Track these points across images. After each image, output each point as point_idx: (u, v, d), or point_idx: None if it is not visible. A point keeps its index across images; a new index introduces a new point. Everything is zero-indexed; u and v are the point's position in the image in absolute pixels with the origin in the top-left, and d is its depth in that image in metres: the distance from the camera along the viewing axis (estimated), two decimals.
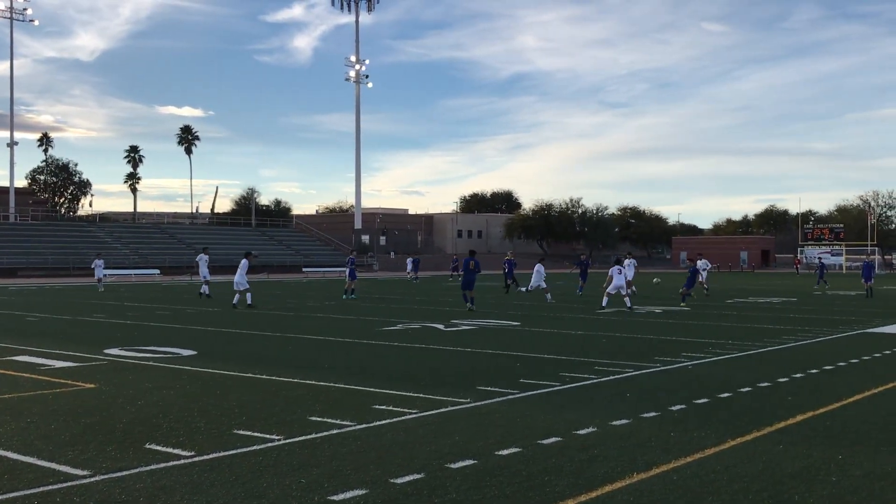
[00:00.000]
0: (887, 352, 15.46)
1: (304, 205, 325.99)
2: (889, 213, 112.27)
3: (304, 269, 71.97)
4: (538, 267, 32.18)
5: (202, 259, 34.81)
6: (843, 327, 20.60)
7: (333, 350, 15.82)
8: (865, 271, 35.90)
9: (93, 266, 44.21)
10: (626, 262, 34.14)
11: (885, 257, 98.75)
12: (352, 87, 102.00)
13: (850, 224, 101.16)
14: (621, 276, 27.05)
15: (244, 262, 27.70)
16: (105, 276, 43.66)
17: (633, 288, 34.14)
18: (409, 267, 57.69)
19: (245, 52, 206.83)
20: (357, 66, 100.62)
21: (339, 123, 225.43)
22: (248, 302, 27.04)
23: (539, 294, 33.08)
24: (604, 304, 26.65)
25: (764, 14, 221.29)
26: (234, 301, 27.10)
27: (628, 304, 26.32)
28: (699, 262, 35.49)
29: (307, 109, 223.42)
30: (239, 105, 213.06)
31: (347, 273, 34.65)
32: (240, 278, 27.19)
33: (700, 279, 34.43)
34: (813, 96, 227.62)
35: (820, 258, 53.06)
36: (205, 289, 33.19)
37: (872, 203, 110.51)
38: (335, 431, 8.44)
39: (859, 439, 8.21)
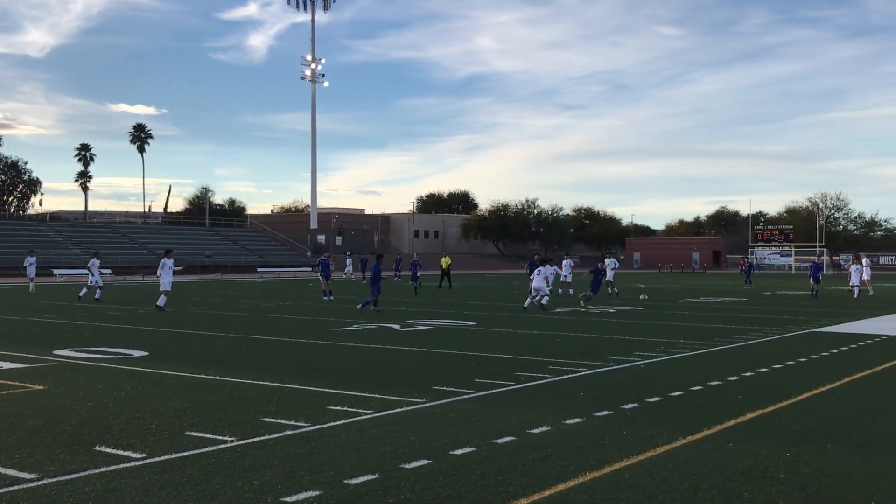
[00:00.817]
0: (834, 351, 15.78)
1: (258, 204, 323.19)
2: (837, 215, 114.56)
3: (258, 270, 71.41)
4: (543, 268, 31.26)
5: (166, 265, 33.53)
6: (792, 327, 20.97)
7: (288, 351, 15.73)
8: (813, 272, 36.53)
9: (25, 264, 41.00)
10: (607, 261, 34.62)
11: (833, 258, 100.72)
12: (308, 86, 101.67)
13: (799, 225, 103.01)
14: (540, 277, 27.09)
15: (166, 261, 26.33)
16: (56, 275, 42.55)
17: (571, 290, 34.46)
18: (349, 268, 56.89)
19: (199, 49, 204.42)
20: (313, 65, 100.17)
21: (295, 122, 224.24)
22: (159, 304, 25.55)
23: (502, 294, 33.17)
24: (525, 304, 26.91)
25: (717, 18, 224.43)
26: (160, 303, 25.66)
27: (542, 303, 26.63)
28: (607, 261, 35.40)
29: (262, 108, 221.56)
30: (193, 103, 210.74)
31: (321, 274, 34.04)
32: (166, 280, 25.94)
33: (606, 279, 34.28)
34: (764, 99, 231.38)
35: (747, 258, 53.65)
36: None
37: (821, 205, 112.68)
38: (289, 432, 8.39)
39: (807, 437, 8.37)
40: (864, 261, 41.48)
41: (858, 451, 7.77)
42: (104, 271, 61.50)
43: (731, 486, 6.58)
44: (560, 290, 34.96)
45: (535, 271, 27.60)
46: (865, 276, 38.38)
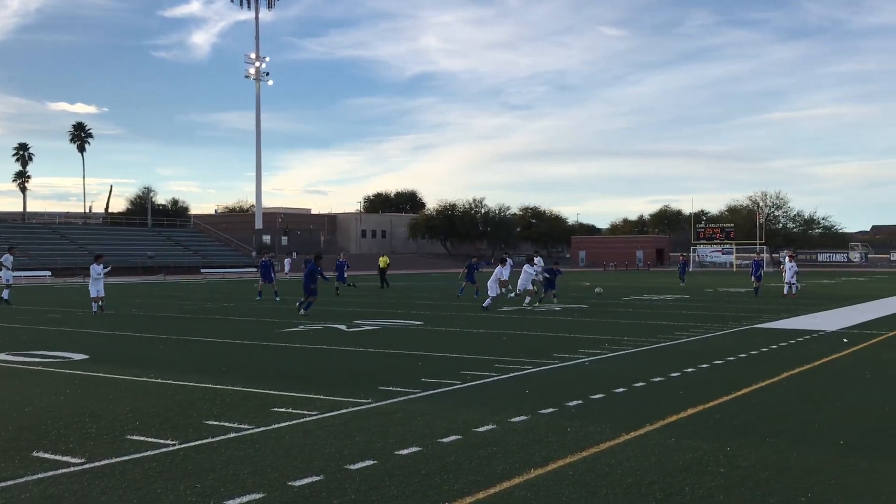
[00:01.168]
0: (773, 346, 16.10)
1: (202, 204, 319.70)
2: (776, 213, 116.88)
3: (202, 271, 70.51)
4: (527, 267, 30.26)
5: (94, 271, 32.72)
6: (733, 323, 21.35)
7: (232, 352, 15.56)
8: (755, 269, 37.11)
9: None
10: (509, 262, 34.31)
11: (773, 255, 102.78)
12: (252, 84, 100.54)
13: (739, 224, 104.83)
14: (526, 275, 27.46)
15: (95, 266, 25.81)
16: None
17: (508, 288, 34.52)
18: (287, 268, 56.30)
19: (141, 47, 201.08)
20: (257, 64, 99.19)
21: (240, 121, 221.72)
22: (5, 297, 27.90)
23: (450, 294, 33.20)
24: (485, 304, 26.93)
25: (659, 19, 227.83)
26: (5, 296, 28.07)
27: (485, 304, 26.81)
28: (536, 259, 34.97)
29: (206, 107, 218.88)
30: (135, 102, 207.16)
31: (262, 275, 33.43)
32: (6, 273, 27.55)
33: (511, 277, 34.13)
34: (705, 100, 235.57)
35: (682, 257, 54.23)
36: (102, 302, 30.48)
37: (761, 203, 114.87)
38: (232, 435, 8.31)
39: (746, 431, 8.53)
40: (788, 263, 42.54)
41: (796, 444, 7.94)
42: (43, 273, 60.44)
43: (672, 481, 6.68)
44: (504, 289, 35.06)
45: (525, 268, 28.49)
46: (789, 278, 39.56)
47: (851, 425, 8.88)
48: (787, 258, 36.91)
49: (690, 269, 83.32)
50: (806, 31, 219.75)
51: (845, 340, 17.11)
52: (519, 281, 29.33)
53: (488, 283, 28.06)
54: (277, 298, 31.76)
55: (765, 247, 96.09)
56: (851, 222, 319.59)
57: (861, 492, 6.42)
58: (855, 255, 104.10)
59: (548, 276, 29.60)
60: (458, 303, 30.41)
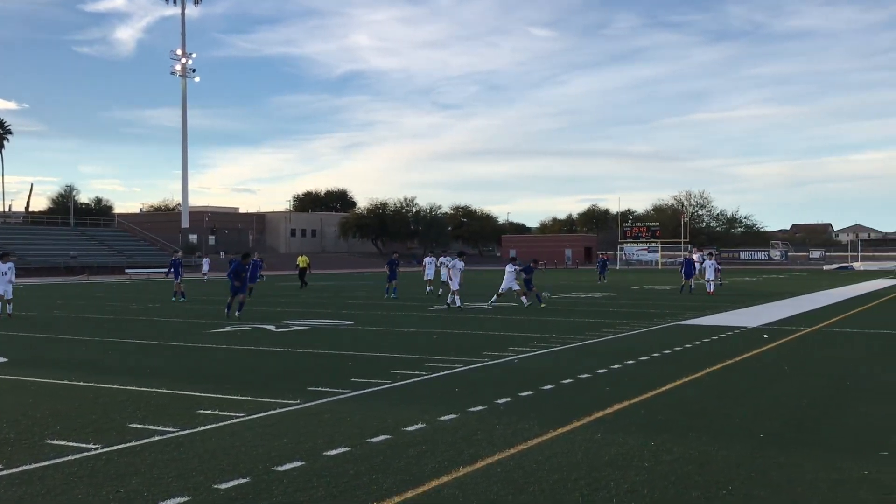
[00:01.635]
0: (697, 343, 16.47)
1: (127, 203, 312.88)
2: (700, 213, 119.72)
3: (127, 271, 68.96)
4: (509, 267, 28.74)
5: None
6: (658, 320, 21.77)
7: (157, 354, 15.26)
8: (686, 268, 36.78)
9: None
10: (427, 259, 34.45)
11: (686, 255, 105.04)
12: (178, 81, 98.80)
13: (665, 222, 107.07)
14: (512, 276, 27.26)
15: (1, 265, 24.52)
16: None
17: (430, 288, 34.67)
18: (206, 268, 55.21)
19: (63, 42, 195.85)
20: (183, 60, 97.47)
21: (165, 118, 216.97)
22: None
23: (381, 293, 33.09)
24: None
25: (587, 21, 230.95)
26: None
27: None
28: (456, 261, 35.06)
29: (131, 104, 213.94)
30: (56, 98, 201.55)
31: (173, 274, 33.10)
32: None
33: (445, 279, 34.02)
34: (632, 101, 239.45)
35: (601, 255, 55.03)
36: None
37: (685, 203, 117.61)
38: (157, 438, 8.15)
39: (670, 426, 8.71)
40: (696, 256, 43.80)
41: (718, 438, 8.13)
42: None
43: (598, 476, 6.78)
44: (430, 288, 35.15)
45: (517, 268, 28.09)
46: (697, 271, 41.25)
47: (771, 419, 9.13)
48: (707, 257, 37.74)
49: (617, 268, 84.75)
50: (729, 34, 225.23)
51: (765, 336, 17.58)
52: (503, 281, 28.51)
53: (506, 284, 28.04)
54: (183, 299, 31.22)
55: (689, 245, 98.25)
56: (772, 221, 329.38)
57: (780, 483, 6.61)
58: (775, 254, 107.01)
59: (525, 274, 28.77)
60: (389, 302, 30.35)
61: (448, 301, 26.69)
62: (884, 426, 8.76)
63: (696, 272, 37.24)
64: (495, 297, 28.53)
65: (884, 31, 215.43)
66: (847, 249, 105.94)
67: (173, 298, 32.01)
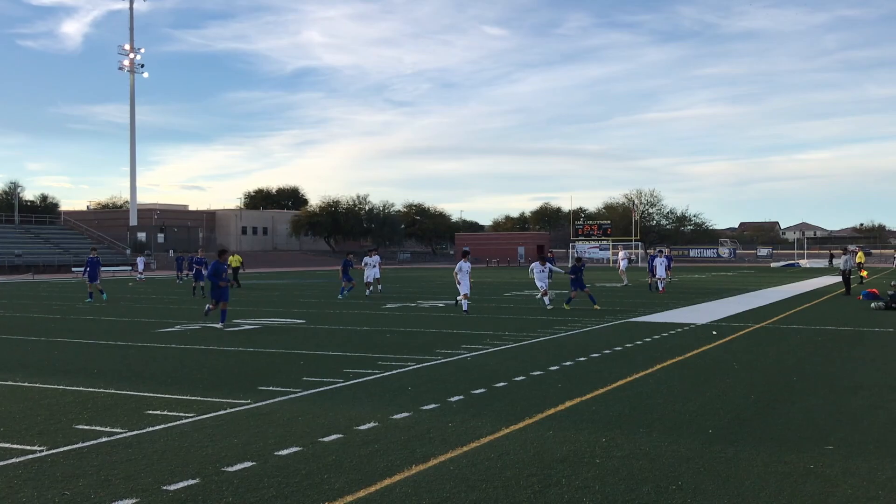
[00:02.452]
0: (647, 339, 16.64)
1: (74, 200, 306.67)
2: (651, 211, 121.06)
3: (73, 269, 67.72)
4: (537, 266, 26.38)
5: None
6: (609, 317, 21.95)
7: (105, 354, 15.00)
8: (651, 265, 36.47)
9: None
10: (373, 258, 33.70)
11: (648, 251, 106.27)
12: (126, 76, 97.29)
13: (616, 220, 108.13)
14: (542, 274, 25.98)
15: None
16: None
17: (381, 286, 34.41)
18: (141, 267, 53.83)
19: (6, 36, 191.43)
20: (132, 55, 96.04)
21: (114, 114, 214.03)
22: None
23: (333, 291, 32.87)
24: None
25: (539, 20, 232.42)
26: None
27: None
28: (373, 258, 34.44)
29: (78, 99, 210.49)
30: (1, 93, 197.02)
31: (87, 275, 31.09)
32: None
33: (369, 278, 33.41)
34: (583, 100, 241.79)
35: (551, 253, 55.36)
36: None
37: (636, 201, 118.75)
38: (104, 439, 8.01)
39: (621, 422, 8.78)
40: (622, 254, 44.66)
41: (668, 434, 8.22)
42: None
43: (550, 473, 6.81)
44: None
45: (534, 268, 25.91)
46: (622, 268, 43.23)
47: (719, 414, 9.26)
48: (658, 254, 38.10)
49: (569, 265, 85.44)
50: (679, 34, 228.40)
51: (714, 333, 17.84)
52: (536, 281, 26.08)
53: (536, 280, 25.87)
54: (105, 298, 30.45)
55: (640, 243, 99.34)
56: (721, 219, 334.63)
57: (728, 477, 6.70)
58: (724, 251, 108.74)
59: (572, 275, 26.38)
60: (342, 301, 30.19)
61: (463, 307, 23.77)
62: (828, 420, 8.94)
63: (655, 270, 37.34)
64: (546, 298, 25.32)
65: (827, 33, 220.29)
66: (793, 247, 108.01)
67: (88, 300, 30.41)
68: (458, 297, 24.20)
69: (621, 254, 45.80)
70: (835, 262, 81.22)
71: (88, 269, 31.15)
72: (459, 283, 24.02)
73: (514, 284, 43.86)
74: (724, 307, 25.84)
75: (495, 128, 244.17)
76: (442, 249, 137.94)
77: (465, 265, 24.64)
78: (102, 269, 38.73)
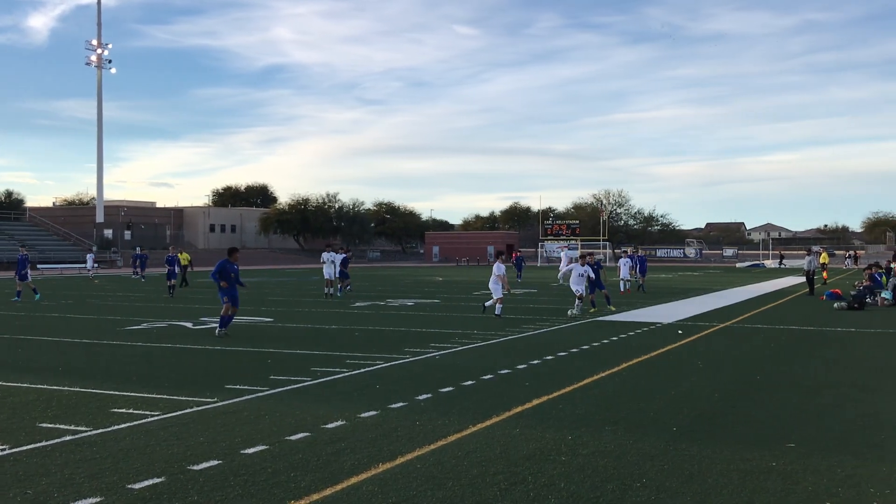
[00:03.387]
0: (614, 338, 16.77)
1: (39, 197, 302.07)
2: (619, 211, 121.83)
3: (38, 266, 66.84)
4: (577, 268, 23.65)
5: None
6: (577, 317, 22.05)
7: (70, 352, 14.85)
8: (640, 266, 35.64)
9: None
10: (329, 255, 32.78)
11: (616, 251, 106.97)
12: (93, 71, 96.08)
13: (585, 220, 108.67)
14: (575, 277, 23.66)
15: None
16: None
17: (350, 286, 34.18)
18: (90, 264, 52.74)
19: None
20: (99, 50, 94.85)
21: (80, 110, 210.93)
22: None
23: (301, 289, 32.71)
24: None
25: (510, 20, 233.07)
26: None
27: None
28: (330, 255, 33.85)
29: (44, 94, 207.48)
30: None
31: (18, 273, 30.25)
32: None
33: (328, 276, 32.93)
34: (553, 100, 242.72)
35: (517, 253, 55.35)
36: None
37: (604, 201, 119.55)
38: (68, 438, 7.94)
39: (586, 421, 8.85)
40: (564, 253, 45.01)
41: (633, 432, 8.31)
42: None
43: (516, 471, 6.86)
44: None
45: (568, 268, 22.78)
46: (563, 267, 42.56)
47: (684, 412, 9.36)
48: (622, 254, 38.34)
49: (538, 265, 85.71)
50: (648, 35, 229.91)
51: (680, 332, 18.01)
52: (572, 284, 23.20)
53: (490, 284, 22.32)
54: (17, 300, 29.43)
55: (607, 243, 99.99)
56: (688, 220, 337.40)
57: (692, 475, 6.79)
58: (691, 251, 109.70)
59: (591, 275, 23.91)
60: (309, 299, 30.07)
61: (496, 312, 21.47)
62: (790, 419, 9.07)
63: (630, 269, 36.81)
64: (579, 303, 22.94)
65: (795, 35, 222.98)
66: (759, 248, 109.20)
67: (15, 298, 29.67)
68: (490, 302, 21.90)
69: (563, 253, 45.85)
70: (786, 262, 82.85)
71: (19, 266, 30.33)
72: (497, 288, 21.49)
73: (483, 284, 43.92)
74: (689, 307, 26.09)
75: (465, 127, 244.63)
76: (412, 248, 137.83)
77: (579, 268, 22.81)
78: (68, 266, 37.85)
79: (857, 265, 74.90)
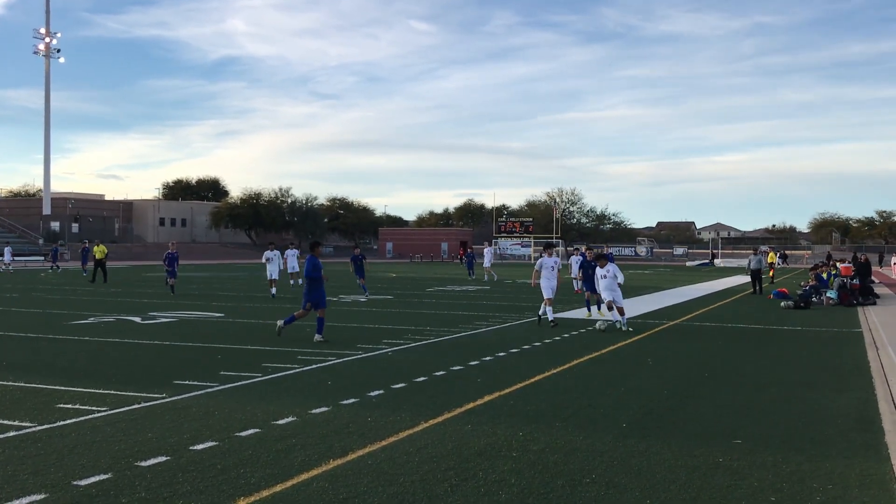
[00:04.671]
0: (566, 335, 16.89)
1: None
2: (572, 209, 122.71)
3: None
4: (609, 268, 19.28)
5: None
6: (529, 313, 22.17)
7: (14, 346, 14.55)
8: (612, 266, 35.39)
9: None
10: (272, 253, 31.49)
11: (568, 249, 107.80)
12: (41, 61, 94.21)
13: (538, 218, 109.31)
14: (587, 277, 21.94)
15: None
16: None
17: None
18: (7, 257, 51.56)
19: None
20: (47, 39, 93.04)
21: (27, 100, 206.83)
22: None
23: (253, 284, 32.41)
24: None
25: (466, 17, 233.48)
26: None
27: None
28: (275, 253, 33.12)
29: None
30: None
31: None
32: None
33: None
34: (508, 98, 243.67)
35: (465, 250, 55.30)
36: None
37: (557, 199, 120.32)
38: (12, 434, 7.79)
39: (538, 417, 8.91)
40: (488, 249, 45.36)
41: (583, 428, 8.38)
42: None
43: (467, 466, 6.88)
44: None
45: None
46: (486, 264, 44.19)
47: (633, 408, 9.47)
48: (574, 252, 38.59)
49: (493, 262, 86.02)
50: (602, 35, 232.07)
51: (630, 330, 18.19)
52: (603, 292, 19.14)
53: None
54: None
55: (560, 240, 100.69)
56: (639, 218, 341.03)
57: (640, 470, 6.87)
58: (642, 250, 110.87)
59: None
60: (260, 294, 29.80)
61: (549, 317, 18.95)
62: (737, 416, 9.22)
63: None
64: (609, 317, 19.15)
65: (745, 38, 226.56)
66: (709, 247, 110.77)
67: None
68: (545, 309, 19.10)
69: (487, 250, 46.13)
70: (716, 262, 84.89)
71: None
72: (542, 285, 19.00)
73: (436, 280, 43.96)
74: (639, 305, 26.36)
75: (420, 123, 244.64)
76: (365, 244, 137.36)
77: (548, 261, 19.43)
78: (17, 259, 36.72)
79: (786, 264, 76.25)
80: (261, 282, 35.59)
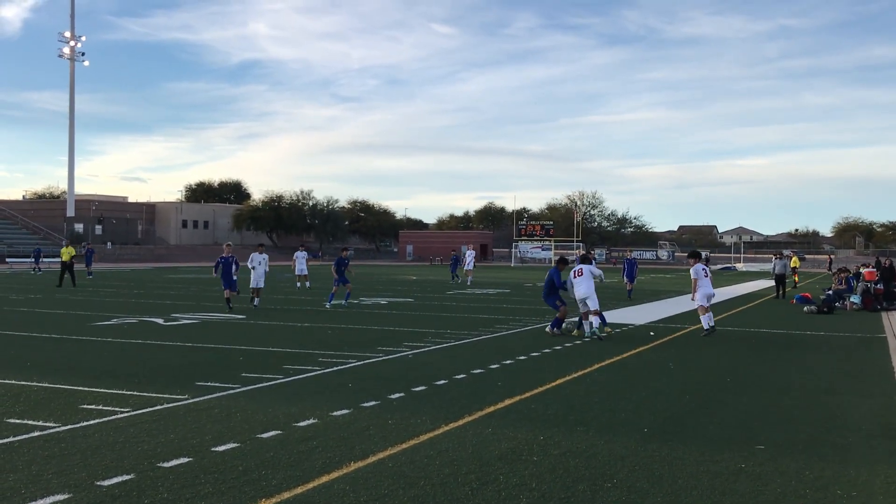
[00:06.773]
0: (586, 339, 16.82)
1: (9, 189, 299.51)
2: (592, 212, 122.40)
3: (7, 260, 66.07)
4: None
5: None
6: (550, 317, 22.08)
7: (38, 347, 14.69)
8: (627, 269, 33.14)
9: None
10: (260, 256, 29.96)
11: (590, 252, 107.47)
12: (66, 64, 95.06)
13: (558, 221, 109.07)
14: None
15: None
16: None
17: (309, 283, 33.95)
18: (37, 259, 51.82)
19: None
20: (72, 43, 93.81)
21: (52, 102, 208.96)
22: None
23: (274, 287, 32.52)
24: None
25: (488, 19, 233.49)
26: None
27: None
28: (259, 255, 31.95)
29: (15, 86, 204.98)
30: None
31: None
32: None
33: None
34: (528, 100, 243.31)
35: (454, 252, 55.12)
36: None
37: (578, 202, 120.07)
38: (36, 434, 7.86)
39: (559, 421, 8.89)
40: (469, 252, 45.11)
41: (604, 432, 8.35)
42: None
43: (488, 470, 6.87)
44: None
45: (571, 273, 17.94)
46: (468, 266, 43.87)
47: (654, 413, 9.42)
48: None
49: (512, 265, 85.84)
50: (624, 38, 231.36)
51: (652, 334, 18.11)
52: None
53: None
54: None
55: (581, 244, 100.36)
56: (660, 222, 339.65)
57: (662, 476, 6.83)
58: (663, 254, 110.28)
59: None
60: (281, 296, 29.93)
61: (598, 333, 17.14)
62: (760, 421, 9.16)
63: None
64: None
65: (769, 41, 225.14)
66: (731, 251, 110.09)
67: None
68: (590, 322, 17.30)
69: (469, 252, 45.92)
70: (738, 266, 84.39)
71: None
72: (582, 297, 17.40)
73: (457, 283, 43.92)
74: (661, 309, 26.25)
75: (441, 126, 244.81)
76: (386, 247, 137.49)
77: (585, 268, 17.71)
78: (42, 260, 37.06)
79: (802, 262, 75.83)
80: (280, 284, 35.76)
